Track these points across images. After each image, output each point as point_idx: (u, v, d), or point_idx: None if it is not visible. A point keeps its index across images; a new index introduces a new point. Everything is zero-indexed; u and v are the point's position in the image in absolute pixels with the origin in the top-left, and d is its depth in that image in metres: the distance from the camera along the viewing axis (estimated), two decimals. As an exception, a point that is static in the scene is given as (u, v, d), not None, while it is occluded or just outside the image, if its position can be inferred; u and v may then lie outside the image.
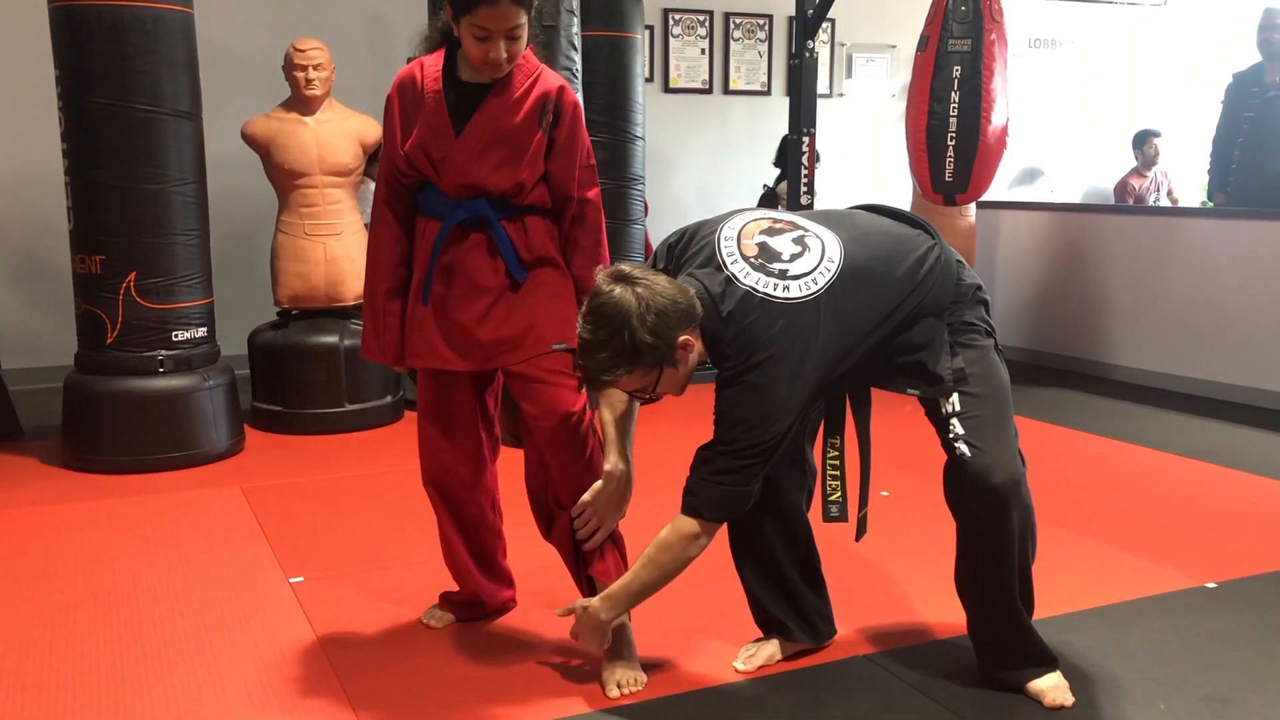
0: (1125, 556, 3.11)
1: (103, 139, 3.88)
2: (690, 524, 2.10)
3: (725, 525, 2.39)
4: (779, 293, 2.03)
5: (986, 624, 2.28)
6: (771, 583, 2.40)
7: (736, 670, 2.39)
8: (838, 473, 2.29)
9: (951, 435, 2.12)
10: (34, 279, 5.61)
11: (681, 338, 2.00)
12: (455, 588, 2.66)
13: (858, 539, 2.34)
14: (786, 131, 5.81)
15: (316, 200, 4.61)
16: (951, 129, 5.03)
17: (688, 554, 2.12)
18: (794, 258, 2.07)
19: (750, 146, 7.27)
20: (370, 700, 2.27)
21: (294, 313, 4.77)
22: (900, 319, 2.12)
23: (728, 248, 2.08)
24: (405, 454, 4.18)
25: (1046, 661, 2.28)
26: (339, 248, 4.65)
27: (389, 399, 4.79)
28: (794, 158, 5.84)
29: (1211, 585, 2.88)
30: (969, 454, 2.10)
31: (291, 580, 2.93)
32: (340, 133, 4.62)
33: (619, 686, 2.27)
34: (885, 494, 3.64)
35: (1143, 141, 7.36)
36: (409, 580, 2.92)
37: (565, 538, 2.39)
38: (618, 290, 1.97)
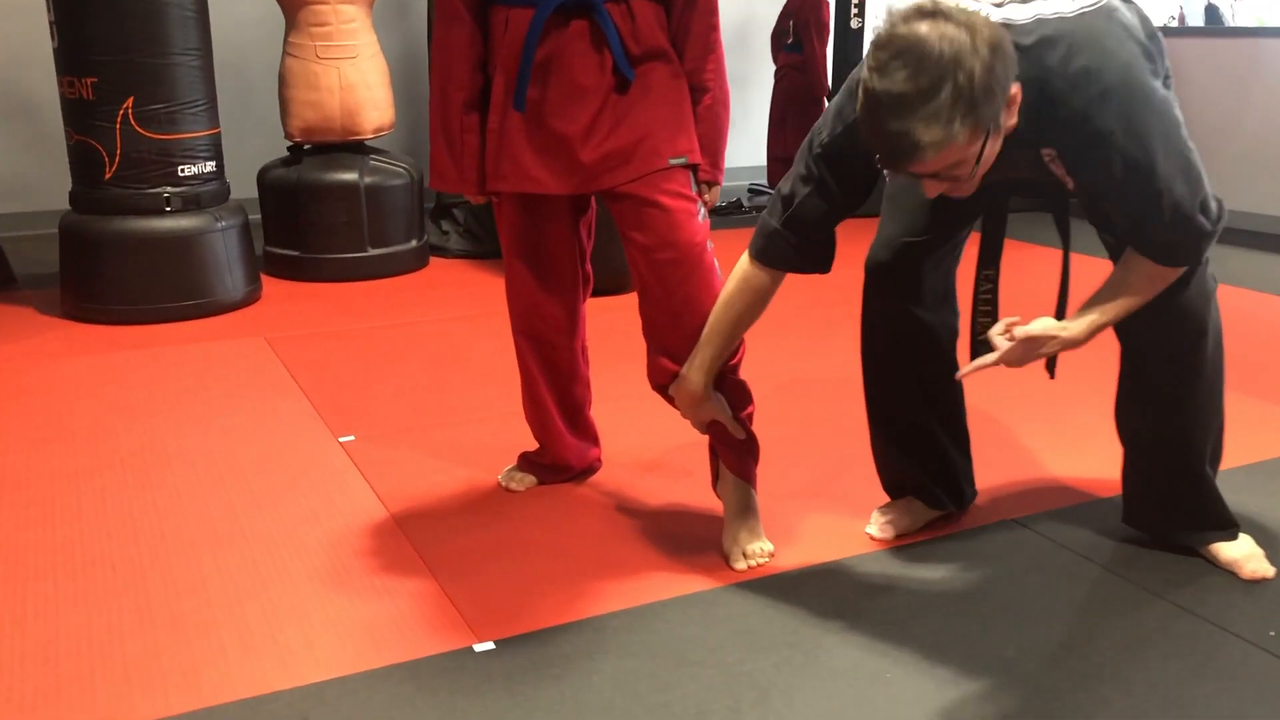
0: (1263, 406, 2.81)
1: (86, -59, 3.38)
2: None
3: (864, 379, 2.07)
4: (1068, 6, 1.58)
5: (1159, 465, 1.95)
6: (914, 440, 2.08)
7: (871, 538, 2.10)
8: (989, 308, 1.94)
9: None
10: (15, 116, 5.09)
11: (1014, 88, 1.53)
12: (531, 445, 2.34)
13: (1052, 375, 1.98)
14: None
15: (329, 18, 4.10)
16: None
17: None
18: None
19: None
20: (456, 575, 1.96)
21: (306, 147, 4.32)
22: None
23: None
24: (437, 303, 3.84)
25: (1228, 524, 1.99)
26: (355, 74, 4.17)
27: (414, 243, 4.38)
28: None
29: (1374, 436, 2.59)
30: None
31: (341, 440, 2.61)
32: (351, -60, 4.10)
33: (746, 558, 1.98)
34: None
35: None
36: (472, 437, 2.60)
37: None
38: (925, 25, 1.45)
